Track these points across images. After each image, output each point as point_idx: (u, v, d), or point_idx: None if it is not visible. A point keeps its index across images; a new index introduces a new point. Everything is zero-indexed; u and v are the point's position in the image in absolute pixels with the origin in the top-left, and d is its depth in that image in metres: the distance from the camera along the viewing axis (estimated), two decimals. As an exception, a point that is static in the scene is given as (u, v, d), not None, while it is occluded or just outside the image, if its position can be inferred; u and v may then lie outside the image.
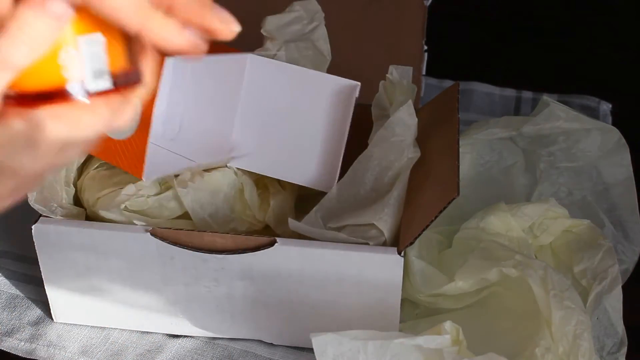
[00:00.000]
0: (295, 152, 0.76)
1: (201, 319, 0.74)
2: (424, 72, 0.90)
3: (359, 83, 0.75)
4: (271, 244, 0.69)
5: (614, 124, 0.89)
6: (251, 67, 0.77)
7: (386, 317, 0.71)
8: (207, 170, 0.76)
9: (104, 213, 0.73)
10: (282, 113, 0.77)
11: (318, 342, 0.62)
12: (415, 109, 0.76)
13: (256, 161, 0.77)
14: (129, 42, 0.42)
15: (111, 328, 0.76)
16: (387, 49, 0.91)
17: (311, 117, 0.76)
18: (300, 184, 0.77)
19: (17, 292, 0.80)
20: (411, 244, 0.67)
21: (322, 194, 0.75)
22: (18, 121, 0.40)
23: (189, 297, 0.73)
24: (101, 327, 0.76)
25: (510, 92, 1.02)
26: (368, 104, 0.79)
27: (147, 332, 0.76)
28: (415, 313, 0.76)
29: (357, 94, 0.75)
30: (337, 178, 0.75)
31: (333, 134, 0.76)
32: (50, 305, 0.76)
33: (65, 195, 0.74)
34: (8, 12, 0.38)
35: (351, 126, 0.76)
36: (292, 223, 0.72)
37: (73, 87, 0.40)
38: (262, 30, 0.79)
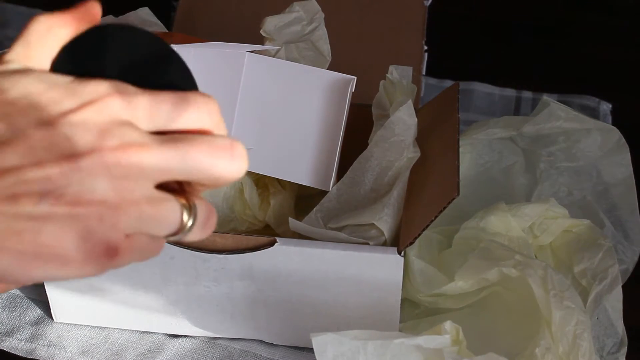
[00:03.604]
0: (292, 149, 0.76)
1: (201, 319, 0.74)
2: (424, 72, 0.90)
3: (355, 77, 0.75)
4: (271, 243, 0.69)
5: (614, 124, 0.89)
6: (248, 64, 0.77)
7: (386, 317, 0.71)
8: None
9: (104, 213, 0.73)
10: (278, 109, 0.77)
11: (318, 342, 0.62)
12: (415, 109, 0.76)
13: (254, 160, 0.76)
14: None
15: (111, 328, 0.76)
16: (387, 49, 0.91)
17: (307, 112, 0.76)
18: (297, 182, 0.77)
19: (17, 292, 0.80)
20: (411, 243, 0.67)
21: (322, 194, 0.75)
22: None
23: (189, 297, 0.73)
24: (101, 327, 0.76)
25: (510, 92, 1.02)
26: (368, 104, 0.79)
27: (147, 332, 0.76)
28: (415, 313, 0.76)
29: (352, 88, 0.75)
30: (333, 175, 0.75)
31: (329, 129, 0.75)
32: (50, 305, 0.76)
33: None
34: None
35: (351, 126, 0.76)
36: (293, 223, 0.72)
37: None
38: (261, 31, 0.79)
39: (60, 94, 0.39)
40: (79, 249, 0.38)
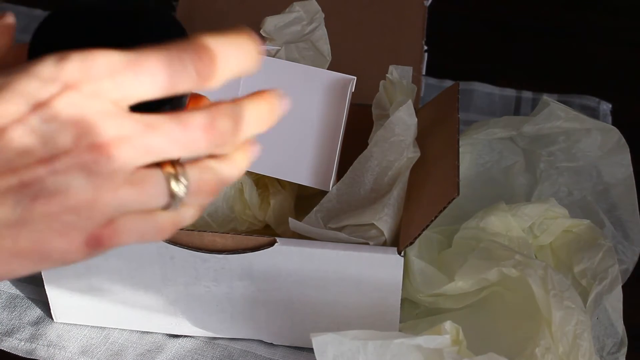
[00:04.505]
0: (292, 149, 0.76)
1: (201, 319, 0.74)
2: (424, 72, 0.90)
3: (354, 77, 0.75)
4: (271, 243, 0.69)
5: (614, 124, 0.89)
6: None
7: (386, 317, 0.71)
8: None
9: (104, 213, 0.73)
10: None
11: (318, 342, 0.62)
12: (415, 109, 0.76)
13: (253, 160, 0.76)
14: None
15: (111, 328, 0.76)
16: (387, 49, 0.91)
17: (307, 112, 0.76)
18: (297, 182, 0.77)
19: (17, 292, 0.80)
20: (411, 243, 0.67)
21: (322, 194, 0.75)
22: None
23: (189, 297, 0.73)
24: (101, 327, 0.76)
25: (510, 92, 1.02)
26: (368, 104, 0.79)
27: (147, 332, 0.76)
28: (415, 313, 0.76)
29: (352, 88, 0.75)
30: (333, 175, 0.75)
31: (329, 129, 0.75)
32: (50, 305, 0.76)
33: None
34: None
35: (351, 126, 0.76)
36: (292, 223, 0.72)
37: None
38: (261, 31, 0.79)
39: (26, 87, 0.37)
40: (58, 245, 0.38)
